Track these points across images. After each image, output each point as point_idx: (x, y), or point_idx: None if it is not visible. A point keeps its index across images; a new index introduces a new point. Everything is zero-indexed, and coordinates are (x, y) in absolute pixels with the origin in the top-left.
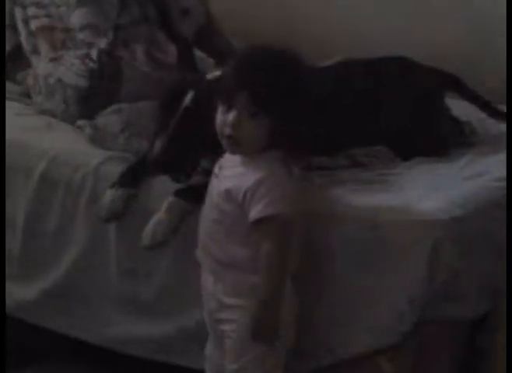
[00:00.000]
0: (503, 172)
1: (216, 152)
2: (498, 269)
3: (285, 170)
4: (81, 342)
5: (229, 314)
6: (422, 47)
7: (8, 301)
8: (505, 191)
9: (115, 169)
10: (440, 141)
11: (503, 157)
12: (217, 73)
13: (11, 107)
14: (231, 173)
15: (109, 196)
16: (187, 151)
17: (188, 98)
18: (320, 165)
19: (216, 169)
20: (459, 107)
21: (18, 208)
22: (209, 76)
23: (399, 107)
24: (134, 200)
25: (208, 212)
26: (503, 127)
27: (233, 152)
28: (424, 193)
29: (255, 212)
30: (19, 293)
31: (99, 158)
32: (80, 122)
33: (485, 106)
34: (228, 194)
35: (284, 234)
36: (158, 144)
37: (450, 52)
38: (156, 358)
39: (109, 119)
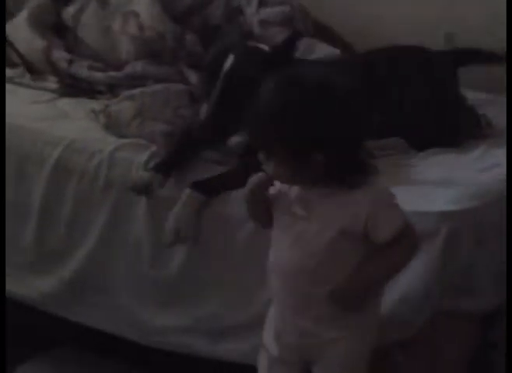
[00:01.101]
0: None
1: None
2: None
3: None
4: (90, 329)
5: (328, 347)
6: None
7: (26, 291)
8: None
9: (129, 156)
10: (454, 130)
11: None
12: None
13: (24, 94)
14: (323, 210)
15: (144, 176)
16: (229, 118)
17: (228, 63)
18: None
19: (298, 211)
20: (475, 100)
21: (31, 196)
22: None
23: (414, 98)
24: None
25: (301, 256)
26: None
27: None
28: (439, 183)
29: (387, 231)
30: (36, 282)
31: (113, 145)
32: (94, 109)
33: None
34: (343, 234)
35: (414, 238)
36: (204, 109)
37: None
38: (174, 349)
39: (121, 106)
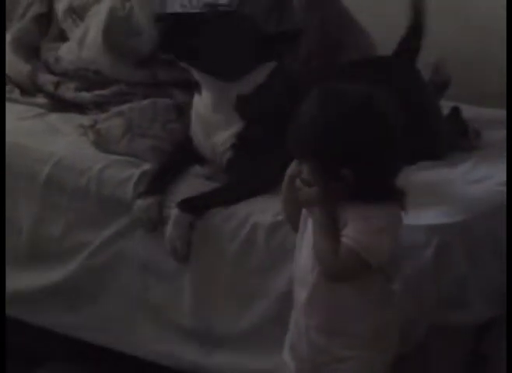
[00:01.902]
0: (506, 176)
1: None
2: (503, 274)
3: None
4: (87, 344)
5: (341, 365)
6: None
7: (15, 299)
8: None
9: (120, 173)
10: (435, 142)
11: (505, 160)
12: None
13: (13, 110)
14: None
15: (142, 206)
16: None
17: None
18: None
19: None
20: (465, 111)
21: (22, 212)
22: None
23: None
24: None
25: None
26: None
27: None
28: (429, 197)
29: (348, 238)
30: (26, 291)
31: (103, 162)
32: (83, 124)
33: None
34: None
35: (349, 271)
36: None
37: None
38: (162, 362)
39: (110, 122)
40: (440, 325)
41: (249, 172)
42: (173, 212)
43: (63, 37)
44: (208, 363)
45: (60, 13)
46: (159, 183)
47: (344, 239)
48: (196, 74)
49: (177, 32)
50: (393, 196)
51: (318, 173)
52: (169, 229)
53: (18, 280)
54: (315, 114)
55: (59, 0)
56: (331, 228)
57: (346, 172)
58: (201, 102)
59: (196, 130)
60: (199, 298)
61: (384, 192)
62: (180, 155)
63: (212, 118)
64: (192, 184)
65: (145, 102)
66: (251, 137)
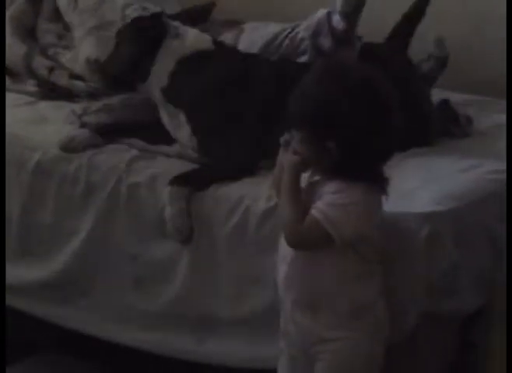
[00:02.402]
0: (497, 164)
1: None
2: (493, 262)
3: None
4: (72, 333)
5: (328, 346)
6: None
7: (8, 290)
8: (499, 184)
9: (108, 159)
10: (426, 129)
11: (497, 149)
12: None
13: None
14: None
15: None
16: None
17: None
18: None
19: None
20: (457, 98)
21: (12, 201)
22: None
23: None
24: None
25: None
26: (497, 118)
27: None
28: (420, 184)
29: (316, 209)
30: (19, 283)
31: (91, 150)
32: (74, 110)
33: None
34: None
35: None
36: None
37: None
38: (154, 351)
39: (99, 119)
40: (430, 313)
41: (221, 150)
42: (166, 190)
43: (58, 17)
44: (200, 351)
45: None
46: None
47: (312, 210)
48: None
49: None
50: (375, 180)
51: (306, 143)
52: (167, 210)
53: (10, 274)
54: (311, 84)
55: None
56: (296, 195)
57: (331, 145)
58: None
59: (165, 122)
60: (191, 285)
61: (367, 174)
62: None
63: None
64: (166, 163)
65: (138, 98)
66: (210, 116)
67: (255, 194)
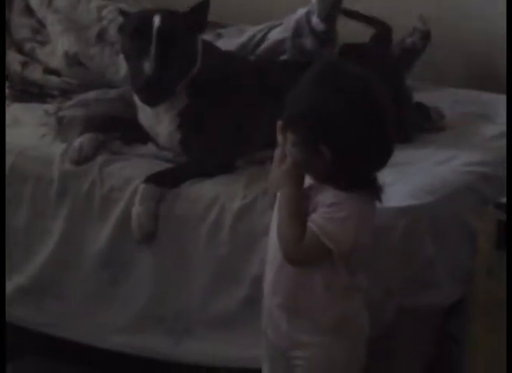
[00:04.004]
0: (471, 156)
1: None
2: (469, 254)
3: None
4: (50, 337)
5: (304, 351)
6: None
7: None
8: (474, 175)
9: None
10: (403, 126)
11: (472, 141)
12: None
13: None
14: None
15: (77, 144)
16: (171, 72)
17: (156, 21)
18: (263, 158)
19: None
20: (427, 92)
21: None
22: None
23: None
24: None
25: None
26: (473, 109)
27: None
28: (394, 179)
29: (314, 223)
30: None
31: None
32: (48, 111)
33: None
34: None
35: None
36: (147, 66)
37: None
38: (132, 352)
39: (74, 112)
40: (408, 307)
41: (204, 146)
42: (140, 187)
43: (30, 12)
44: (178, 352)
45: None
46: (103, 126)
47: (309, 224)
48: None
49: None
50: (369, 187)
51: (299, 146)
52: (135, 206)
53: None
54: (307, 86)
55: None
56: (297, 211)
57: (323, 149)
58: None
59: (142, 119)
60: (165, 286)
61: (361, 181)
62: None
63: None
64: (140, 165)
65: (112, 92)
66: (196, 112)
67: (230, 192)
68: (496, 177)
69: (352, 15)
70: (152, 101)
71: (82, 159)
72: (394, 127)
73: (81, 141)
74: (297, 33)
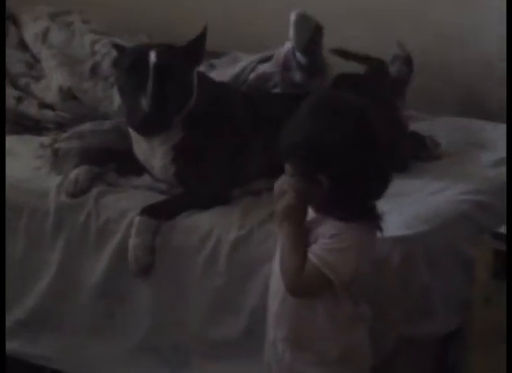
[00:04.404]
0: (468, 185)
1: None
2: (466, 283)
3: None
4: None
5: None
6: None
7: None
8: (469, 204)
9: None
10: (399, 156)
11: (468, 170)
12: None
13: None
14: None
15: (72, 176)
16: (168, 107)
17: (152, 57)
18: (258, 188)
19: None
20: (422, 122)
21: None
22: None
23: None
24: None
25: None
26: (469, 138)
27: None
28: (389, 209)
29: (314, 254)
30: None
31: (60, 184)
32: (43, 144)
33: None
34: None
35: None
36: (144, 102)
37: None
38: None
39: (70, 144)
40: (406, 335)
41: (199, 178)
42: (136, 220)
43: (25, 46)
44: None
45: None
46: (98, 159)
47: (309, 255)
48: None
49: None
50: (368, 217)
51: (298, 176)
52: (131, 239)
53: None
54: (303, 117)
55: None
56: (298, 244)
57: (321, 178)
58: None
59: (138, 152)
60: (162, 318)
61: (360, 211)
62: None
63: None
64: (135, 196)
65: (107, 123)
66: (190, 145)
67: (226, 223)
68: (492, 206)
69: (345, 55)
70: (149, 135)
71: (78, 192)
72: (390, 156)
73: (76, 173)
74: (286, 66)
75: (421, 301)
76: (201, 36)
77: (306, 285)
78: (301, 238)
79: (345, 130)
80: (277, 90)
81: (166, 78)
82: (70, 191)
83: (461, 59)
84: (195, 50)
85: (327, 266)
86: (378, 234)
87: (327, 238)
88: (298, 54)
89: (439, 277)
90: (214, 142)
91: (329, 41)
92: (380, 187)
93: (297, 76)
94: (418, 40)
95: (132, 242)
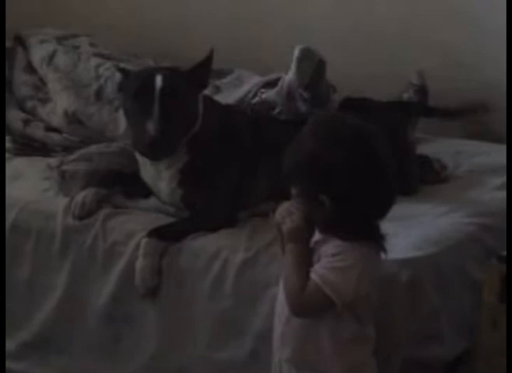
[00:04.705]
0: (475, 207)
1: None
2: (473, 306)
3: None
4: None
5: None
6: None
7: None
8: (477, 227)
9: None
10: (406, 179)
11: (475, 192)
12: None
13: None
14: None
15: (80, 198)
16: (173, 132)
17: (158, 81)
18: (265, 211)
19: None
20: (430, 143)
21: None
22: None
23: None
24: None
25: None
26: (475, 160)
27: None
28: (398, 230)
29: (316, 274)
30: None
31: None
32: (50, 165)
33: (455, 114)
34: None
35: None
36: (151, 127)
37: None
38: None
39: (77, 167)
40: (412, 358)
41: (206, 202)
42: (143, 242)
43: (32, 69)
44: None
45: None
46: (105, 181)
47: (311, 274)
48: None
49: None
50: (371, 237)
51: (301, 197)
52: (138, 261)
53: None
54: (304, 138)
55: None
56: (302, 264)
57: (323, 198)
58: None
59: (144, 176)
60: (169, 340)
61: (363, 231)
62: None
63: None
64: (142, 218)
65: (114, 146)
66: (196, 169)
67: (233, 245)
68: (499, 228)
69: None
70: (155, 159)
71: (85, 214)
72: (393, 177)
73: (84, 195)
74: (290, 96)
75: (428, 323)
76: (207, 60)
77: (307, 304)
78: (305, 258)
79: (346, 149)
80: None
81: (171, 102)
82: (77, 214)
83: (467, 81)
84: (201, 73)
85: (328, 284)
86: (383, 255)
87: (330, 257)
88: (299, 90)
89: (447, 299)
90: (220, 165)
91: (336, 61)
92: (382, 207)
93: (302, 107)
94: (424, 61)
95: (139, 263)
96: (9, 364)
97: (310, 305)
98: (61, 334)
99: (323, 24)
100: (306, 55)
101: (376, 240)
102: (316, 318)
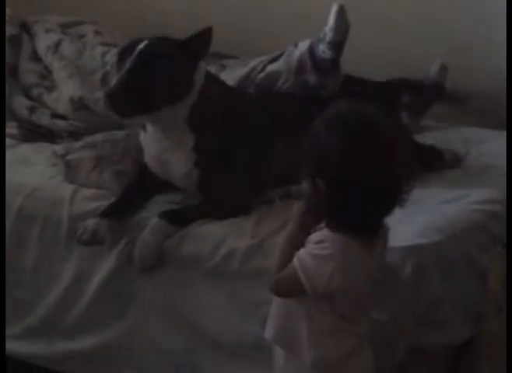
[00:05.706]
0: (482, 194)
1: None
2: (479, 293)
3: None
4: None
5: None
6: None
7: None
8: (484, 213)
9: (90, 204)
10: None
11: (482, 178)
12: None
13: None
14: None
15: (92, 225)
16: (136, 92)
17: (142, 44)
18: (272, 197)
19: None
20: (437, 131)
21: None
22: None
23: None
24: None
25: None
26: (483, 147)
27: None
28: (404, 217)
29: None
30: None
31: (74, 193)
32: (56, 152)
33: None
34: None
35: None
36: (115, 79)
37: None
38: None
39: (82, 154)
40: (418, 346)
41: (224, 187)
42: (153, 221)
43: (38, 57)
44: None
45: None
46: (117, 209)
47: (295, 257)
48: (145, 119)
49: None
50: (360, 229)
51: (305, 179)
52: (142, 235)
53: None
54: (319, 129)
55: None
56: (289, 243)
57: (318, 181)
58: (148, 137)
59: (150, 162)
60: (174, 319)
61: (351, 223)
62: (142, 182)
63: (163, 144)
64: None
65: (120, 134)
66: (209, 146)
67: (239, 232)
68: (506, 216)
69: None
70: (109, 109)
71: (94, 242)
72: (401, 172)
73: (96, 223)
74: (300, 70)
75: (433, 311)
76: (204, 33)
77: (280, 283)
78: (294, 238)
79: (346, 138)
80: (286, 86)
81: (146, 63)
82: (85, 239)
83: (480, 70)
84: (196, 45)
85: (304, 269)
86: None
87: (314, 243)
88: (322, 48)
89: (452, 287)
90: (233, 145)
91: (348, 52)
92: (385, 204)
93: (312, 78)
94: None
95: (142, 238)
96: (17, 348)
97: (283, 286)
98: (67, 320)
99: (327, 13)
100: (344, 12)
101: (367, 234)
102: (296, 302)
